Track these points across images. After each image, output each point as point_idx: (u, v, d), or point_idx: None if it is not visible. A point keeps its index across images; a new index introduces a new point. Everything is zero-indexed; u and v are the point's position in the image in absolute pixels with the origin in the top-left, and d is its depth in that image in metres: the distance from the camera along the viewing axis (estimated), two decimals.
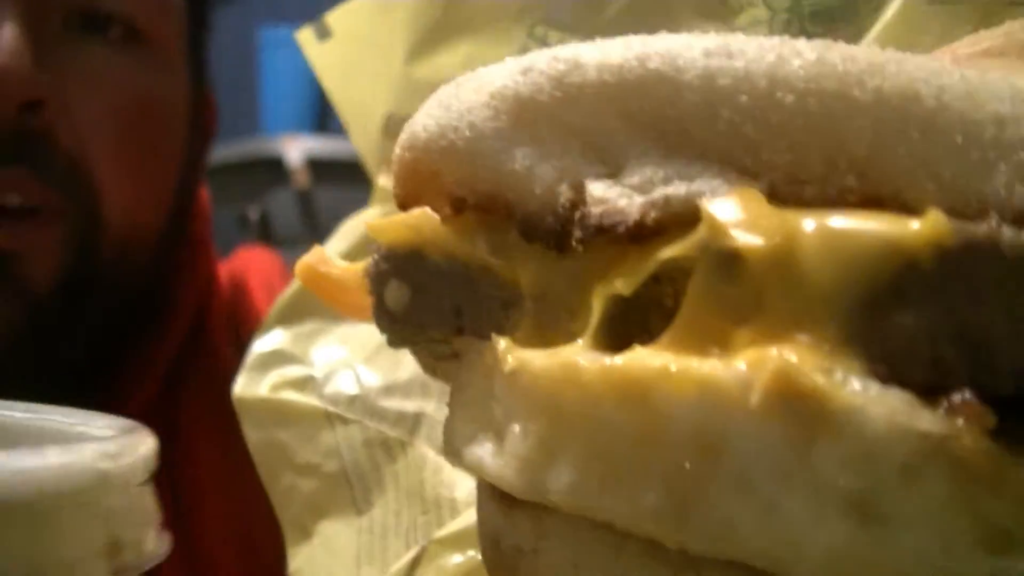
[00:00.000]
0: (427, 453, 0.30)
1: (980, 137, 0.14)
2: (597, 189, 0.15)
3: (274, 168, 1.60)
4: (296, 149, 1.61)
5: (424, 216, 0.17)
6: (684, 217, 0.14)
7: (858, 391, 0.12)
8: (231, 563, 0.51)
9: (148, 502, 0.19)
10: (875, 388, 0.12)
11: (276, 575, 0.32)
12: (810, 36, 0.34)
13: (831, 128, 0.14)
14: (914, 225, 0.13)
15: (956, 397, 0.12)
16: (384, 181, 0.40)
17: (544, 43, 0.38)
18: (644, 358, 0.13)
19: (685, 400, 0.13)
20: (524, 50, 0.38)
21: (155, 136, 0.50)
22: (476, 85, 0.16)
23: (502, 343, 0.15)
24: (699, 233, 0.14)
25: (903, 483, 0.12)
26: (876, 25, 0.32)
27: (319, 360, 0.33)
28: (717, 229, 0.14)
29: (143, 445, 0.19)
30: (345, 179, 1.67)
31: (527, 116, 0.16)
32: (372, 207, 0.39)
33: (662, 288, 0.14)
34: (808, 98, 0.14)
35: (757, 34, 0.34)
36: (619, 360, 0.13)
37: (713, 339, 0.13)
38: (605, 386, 0.13)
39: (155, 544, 0.19)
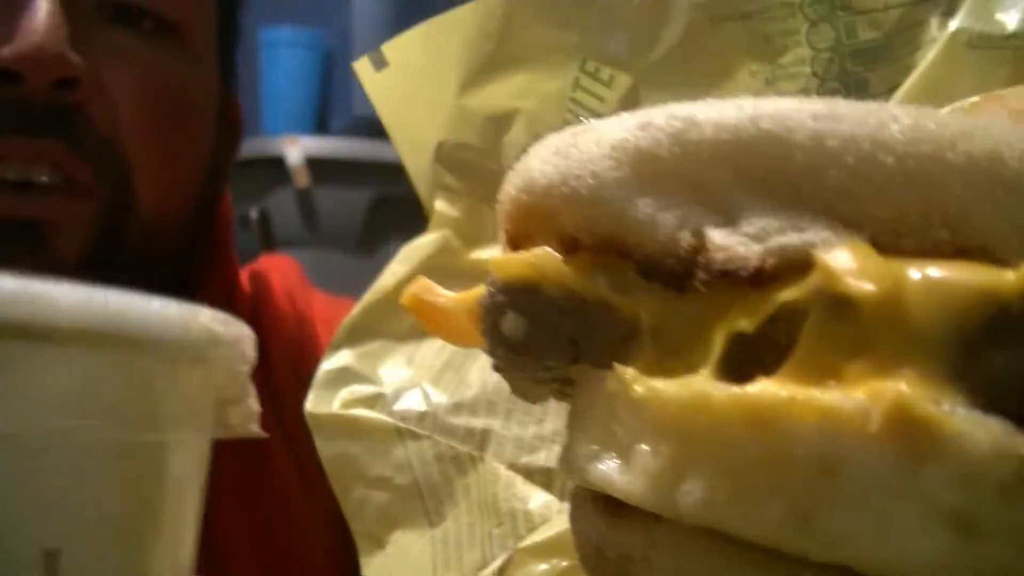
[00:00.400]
0: (498, 468, 0.32)
1: None
2: (717, 237, 0.17)
3: (274, 168, 1.61)
4: (296, 149, 1.62)
5: (546, 255, 0.19)
6: (798, 264, 0.16)
7: (963, 419, 0.14)
8: (247, 567, 0.52)
9: (251, 387, 0.20)
10: (977, 416, 0.14)
11: None
12: (850, 74, 0.37)
13: (927, 187, 0.16)
14: (1007, 275, 0.15)
15: None
16: (441, 207, 0.42)
17: (595, 77, 0.40)
18: (770, 388, 0.15)
19: (809, 426, 0.15)
20: (576, 83, 0.40)
21: (185, 125, 0.51)
22: (595, 138, 0.18)
23: (628, 372, 0.17)
24: (813, 279, 0.16)
25: (1000, 501, 0.14)
26: (919, 67, 0.34)
27: (387, 379, 0.35)
28: (830, 275, 0.16)
29: (247, 332, 0.20)
30: (345, 179, 1.69)
31: (647, 168, 0.18)
32: (431, 232, 0.41)
33: (777, 327, 0.16)
34: (907, 160, 0.16)
35: (800, 72, 0.37)
36: (748, 389, 0.15)
37: (827, 373, 0.15)
38: (735, 412, 0.15)
39: (254, 423, 0.20)
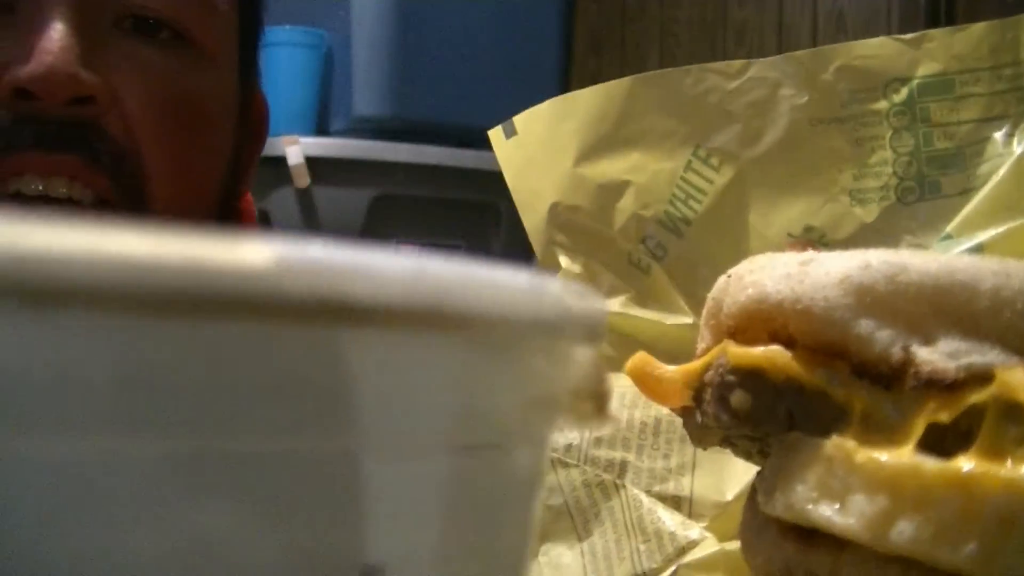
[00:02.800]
0: (640, 494, 0.39)
1: None
2: (922, 353, 0.24)
3: (274, 168, 1.62)
4: (296, 149, 1.64)
5: (777, 351, 0.26)
6: (980, 376, 0.23)
7: None
8: None
9: (604, 369, 0.17)
10: None
11: None
12: (925, 177, 0.44)
13: None
14: None
15: None
16: (565, 263, 0.48)
17: (706, 162, 0.47)
18: (966, 463, 0.22)
19: (996, 491, 0.22)
20: (688, 165, 0.47)
21: (202, 135, 0.51)
22: (824, 271, 0.25)
23: (849, 442, 0.24)
24: (993, 388, 0.23)
25: None
26: (991, 181, 0.41)
27: None
28: (1006, 387, 0.23)
29: (600, 306, 0.17)
30: (345, 179, 1.72)
31: (867, 299, 0.25)
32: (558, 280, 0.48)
33: (963, 421, 0.23)
34: None
35: (882, 172, 0.44)
36: (950, 463, 0.23)
37: (1002, 455, 0.23)
38: (940, 479, 0.22)
39: (608, 409, 0.17)
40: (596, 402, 0.17)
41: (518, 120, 0.51)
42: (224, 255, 0.11)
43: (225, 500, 0.12)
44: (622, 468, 0.40)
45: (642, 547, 0.37)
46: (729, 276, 0.29)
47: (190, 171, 0.50)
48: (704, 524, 0.37)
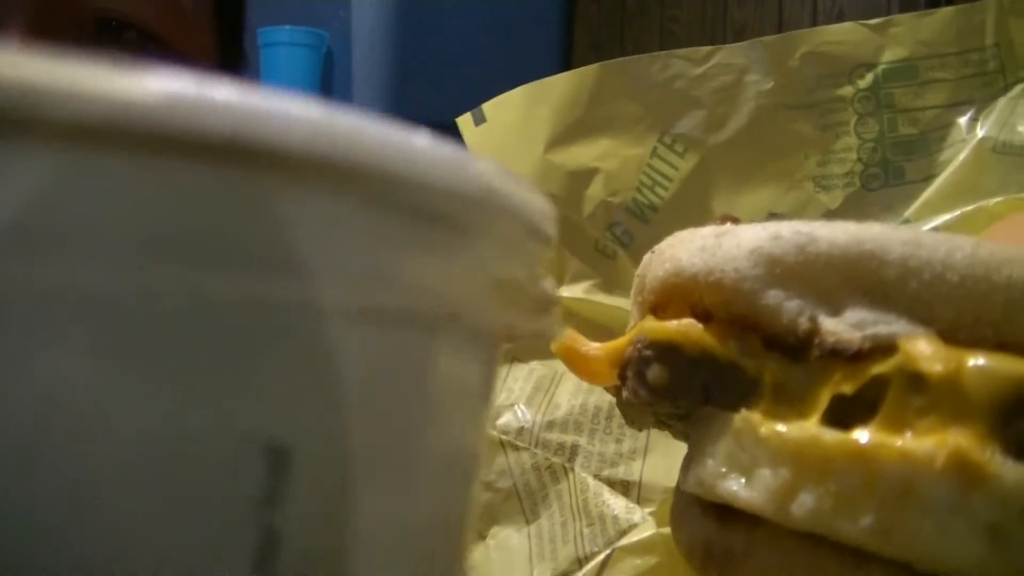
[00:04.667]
0: (587, 478, 0.38)
1: None
2: (828, 324, 0.23)
3: None
4: None
5: (690, 324, 0.26)
6: (886, 346, 0.23)
7: (1000, 463, 0.21)
8: None
9: (544, 274, 0.16)
10: (1009, 463, 0.21)
11: None
12: (890, 163, 0.44)
13: (979, 299, 0.23)
14: None
15: None
16: None
17: (671, 148, 0.47)
18: (866, 435, 0.22)
19: (894, 462, 0.21)
20: (654, 152, 0.47)
21: None
22: (736, 242, 0.25)
23: (755, 415, 0.24)
24: (897, 359, 0.23)
25: (1021, 519, 0.21)
26: (950, 166, 0.41)
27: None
28: (910, 357, 0.22)
29: (543, 201, 0.16)
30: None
31: (776, 269, 0.24)
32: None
33: (866, 391, 0.23)
34: (966, 279, 0.23)
35: (847, 158, 0.43)
36: (850, 435, 0.22)
37: (904, 427, 0.22)
38: (840, 450, 0.22)
39: (549, 321, 0.16)
40: (539, 307, 0.16)
41: (487, 107, 0.51)
42: (115, 85, 0.11)
43: (96, 354, 0.11)
44: (573, 452, 0.40)
45: (586, 530, 0.37)
46: (652, 252, 0.28)
47: None
48: (651, 509, 0.37)
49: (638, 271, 0.29)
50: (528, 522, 0.39)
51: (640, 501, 0.38)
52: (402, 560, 0.14)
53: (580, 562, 0.36)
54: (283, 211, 0.12)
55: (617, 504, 0.37)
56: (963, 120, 0.42)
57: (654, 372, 0.26)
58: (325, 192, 0.12)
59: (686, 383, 0.26)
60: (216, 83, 0.12)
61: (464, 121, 0.51)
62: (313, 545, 0.13)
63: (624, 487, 0.39)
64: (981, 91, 0.42)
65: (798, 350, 0.24)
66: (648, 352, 0.27)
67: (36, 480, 0.11)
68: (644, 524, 0.35)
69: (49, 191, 0.11)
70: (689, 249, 0.26)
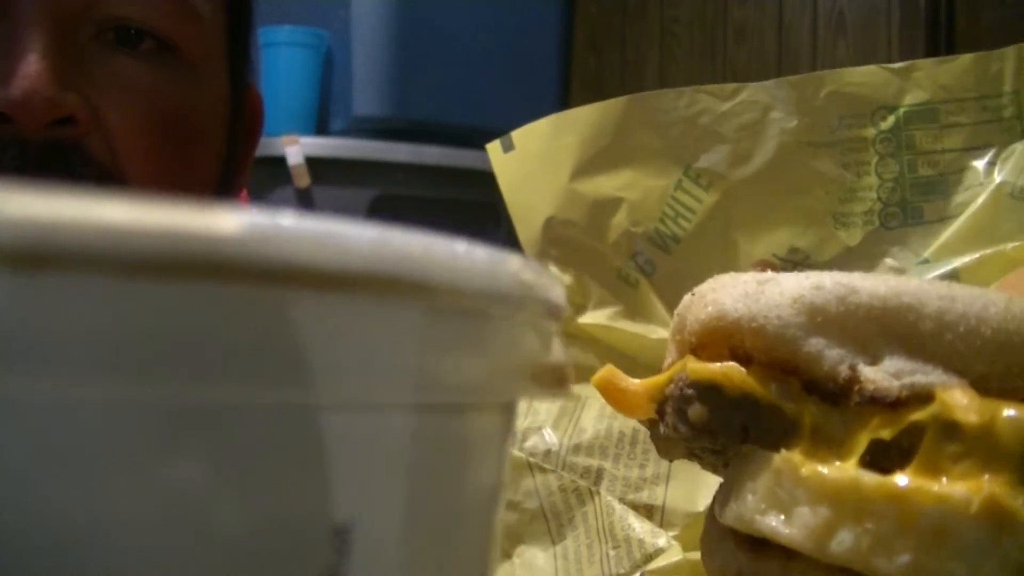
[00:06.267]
0: (613, 502, 0.40)
1: None
2: (867, 372, 0.25)
3: (274, 168, 1.62)
4: (296, 149, 1.64)
5: (733, 367, 0.27)
6: (922, 395, 0.24)
7: None
8: None
9: (559, 345, 0.18)
10: None
11: None
12: (908, 203, 0.45)
13: (1011, 351, 0.24)
14: None
15: None
16: (555, 274, 0.49)
17: (696, 182, 0.48)
18: (903, 479, 0.23)
19: (930, 505, 0.23)
20: (678, 184, 0.49)
21: (188, 147, 0.50)
22: (779, 290, 0.27)
23: (796, 455, 0.25)
24: (933, 407, 0.24)
25: None
26: (968, 209, 0.42)
27: (517, 423, 0.43)
28: (947, 407, 0.24)
29: (557, 284, 0.18)
30: (345, 179, 1.72)
31: (818, 318, 0.26)
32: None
33: (902, 436, 0.24)
34: (999, 332, 0.24)
35: (867, 196, 0.45)
36: (889, 478, 0.24)
37: (939, 472, 0.24)
38: (878, 492, 0.23)
39: (568, 382, 0.18)
40: (556, 374, 0.18)
41: (516, 135, 0.52)
42: (196, 221, 0.12)
43: (196, 457, 0.13)
44: (598, 475, 0.41)
45: (612, 552, 0.38)
46: (693, 294, 0.30)
47: (177, 185, 0.50)
48: (674, 533, 0.38)
49: (677, 311, 0.31)
50: (554, 543, 0.40)
51: (663, 525, 0.40)
52: None
53: None
54: (347, 326, 0.13)
55: (642, 528, 0.39)
56: (980, 164, 0.44)
57: (696, 410, 0.28)
58: (384, 306, 0.14)
59: (726, 422, 0.27)
60: (281, 214, 0.13)
61: (493, 148, 0.52)
62: None
63: (647, 511, 0.40)
64: (999, 137, 0.44)
65: (838, 396, 0.25)
66: (690, 391, 0.28)
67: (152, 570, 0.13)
68: (671, 549, 0.36)
69: (149, 320, 0.12)
70: (732, 295, 0.28)
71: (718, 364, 0.27)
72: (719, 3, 1.72)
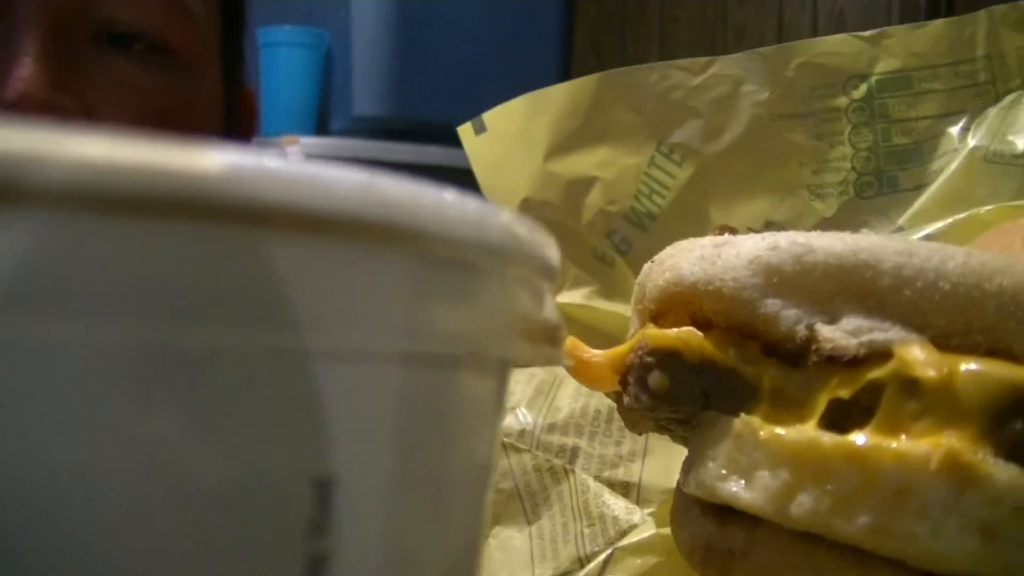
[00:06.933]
0: (588, 480, 0.39)
1: None
2: (825, 331, 0.24)
3: None
4: (296, 149, 1.63)
5: (690, 332, 0.26)
6: (881, 353, 0.24)
7: (991, 464, 0.22)
8: None
9: (554, 306, 0.17)
10: (1001, 463, 0.22)
11: None
12: (883, 172, 0.45)
13: (971, 306, 0.24)
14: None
15: None
16: None
17: (669, 157, 0.48)
18: (862, 437, 0.23)
19: (890, 464, 0.22)
20: (652, 161, 0.48)
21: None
22: (735, 252, 0.26)
23: (755, 419, 0.25)
24: (892, 364, 0.23)
25: (1013, 518, 0.22)
26: (943, 174, 0.42)
27: None
28: (905, 363, 0.23)
29: (551, 243, 0.17)
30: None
31: (774, 279, 0.25)
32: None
33: (862, 395, 0.24)
34: (959, 287, 0.24)
35: (841, 167, 0.44)
36: (847, 437, 0.23)
37: (900, 430, 0.23)
38: (837, 452, 0.23)
39: (559, 349, 0.18)
40: (549, 337, 0.17)
41: (488, 117, 0.52)
42: (176, 159, 0.12)
43: (174, 406, 0.12)
44: (573, 454, 0.41)
45: (586, 531, 0.38)
46: (652, 262, 0.29)
47: None
48: (650, 510, 0.38)
49: (638, 279, 0.30)
50: (529, 522, 0.40)
51: (640, 502, 0.39)
52: (440, 572, 0.16)
53: (581, 562, 0.37)
54: (334, 271, 0.13)
55: (617, 505, 0.38)
56: (955, 130, 0.43)
57: (655, 378, 0.27)
58: (372, 252, 0.13)
59: (686, 389, 0.27)
60: (265, 156, 0.13)
61: (465, 130, 0.52)
62: (356, 568, 0.14)
63: (624, 488, 0.40)
64: (973, 102, 0.43)
65: (796, 357, 0.25)
66: (649, 359, 0.27)
67: (109, 523, 0.12)
68: (644, 524, 0.36)
69: (137, 259, 0.12)
70: (689, 259, 0.27)
71: (676, 330, 0.27)
72: (719, 3, 1.72)
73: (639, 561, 0.34)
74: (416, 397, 0.15)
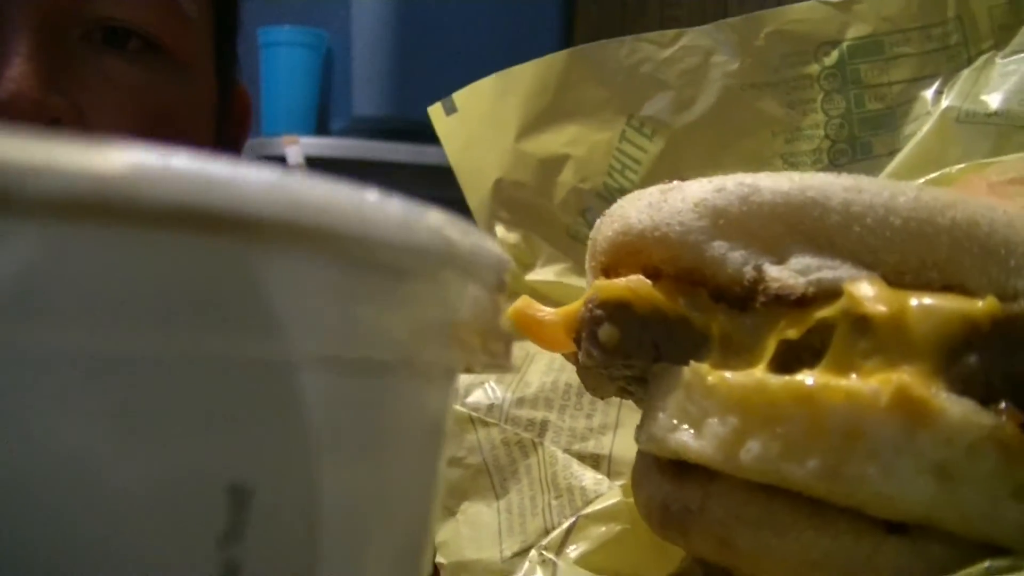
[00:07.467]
0: (556, 452, 0.38)
1: (1015, 251, 0.22)
2: (772, 271, 0.23)
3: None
4: (296, 149, 1.62)
5: (639, 280, 0.26)
6: (830, 291, 0.23)
7: (944, 400, 0.21)
8: None
9: (499, 315, 0.17)
10: (954, 399, 0.21)
11: None
12: (857, 138, 0.44)
13: (922, 241, 0.23)
14: (978, 303, 0.22)
15: (1001, 405, 0.21)
16: (501, 234, 0.48)
17: (640, 131, 0.47)
18: (811, 377, 0.22)
19: (839, 403, 0.21)
20: (622, 135, 0.47)
21: (175, 143, 0.51)
22: (681, 196, 0.25)
23: (703, 366, 0.24)
24: (842, 302, 0.22)
25: (968, 456, 0.21)
26: (915, 136, 0.41)
27: (459, 378, 0.42)
28: (854, 300, 0.22)
29: (496, 250, 0.17)
30: (345, 179, 1.72)
31: (721, 220, 0.24)
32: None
33: (812, 336, 0.23)
34: (910, 222, 0.23)
35: (814, 135, 0.43)
36: (795, 378, 0.22)
37: (851, 369, 0.22)
38: (785, 394, 0.22)
39: (505, 358, 0.17)
40: (494, 343, 0.17)
41: (458, 97, 0.51)
42: (82, 159, 0.11)
43: (87, 410, 0.12)
44: (542, 427, 0.40)
45: (554, 502, 0.37)
46: (604, 215, 0.28)
47: None
48: (621, 482, 0.37)
49: (591, 235, 0.29)
50: (498, 497, 0.39)
51: (610, 475, 0.38)
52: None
53: (548, 533, 0.36)
54: (249, 272, 0.13)
55: (586, 476, 0.37)
56: (928, 94, 0.42)
57: (605, 331, 0.26)
58: (286, 253, 0.13)
59: (637, 340, 0.26)
60: (174, 155, 0.12)
61: (435, 111, 0.51)
62: (275, 573, 0.14)
63: (594, 461, 0.39)
64: (945, 65, 0.42)
65: (745, 300, 0.24)
66: (599, 312, 0.27)
67: (25, 529, 0.12)
68: (610, 492, 0.35)
69: (34, 263, 0.11)
70: (637, 207, 0.26)
71: (624, 280, 0.26)
72: (719, 3, 1.71)
73: (603, 528, 0.33)
74: (345, 406, 0.14)
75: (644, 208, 0.26)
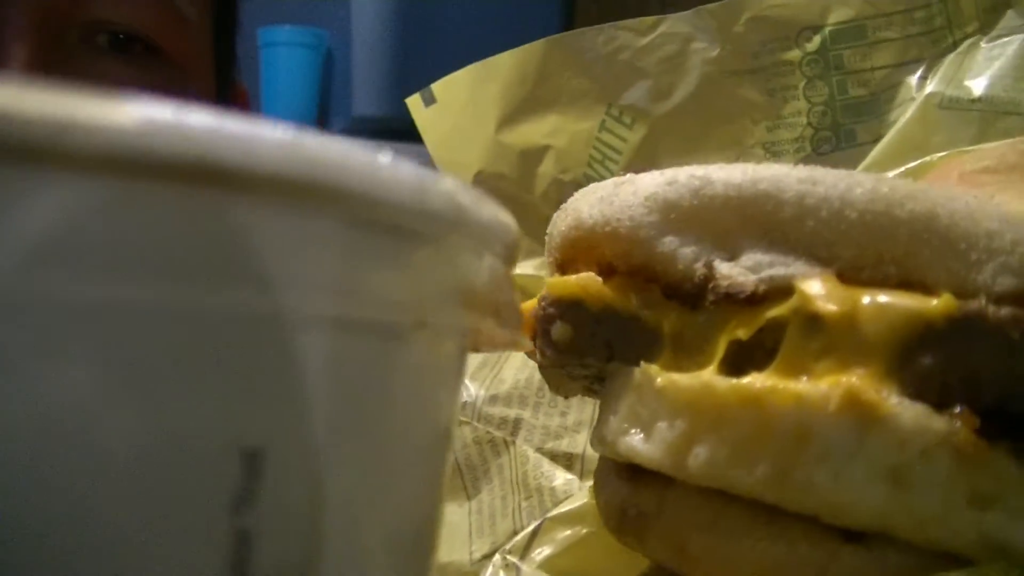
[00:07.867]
0: (528, 451, 0.37)
1: (976, 245, 0.21)
2: (723, 268, 0.22)
3: None
4: None
5: (590, 277, 0.25)
6: (782, 289, 0.22)
7: (896, 404, 0.20)
8: None
9: (510, 288, 0.17)
10: (907, 402, 0.20)
11: None
12: (840, 126, 0.43)
13: (880, 235, 0.22)
14: (933, 301, 0.21)
15: (956, 409, 0.20)
16: None
17: (619, 120, 0.46)
18: (760, 380, 0.21)
19: (788, 406, 0.20)
20: (602, 125, 0.46)
21: None
22: (632, 189, 0.24)
23: (652, 367, 0.23)
24: (793, 301, 0.21)
25: (922, 462, 0.20)
26: (898, 122, 0.40)
27: None
28: (806, 299, 0.21)
29: (509, 219, 0.16)
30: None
31: (672, 215, 0.23)
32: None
33: (765, 336, 0.22)
34: (866, 215, 0.22)
35: (796, 122, 0.42)
36: (743, 380, 0.21)
37: (802, 370, 0.21)
38: (733, 397, 0.21)
39: (516, 332, 0.17)
40: (502, 313, 0.16)
41: (437, 87, 0.50)
42: (90, 111, 0.11)
43: (82, 360, 0.12)
44: (516, 425, 0.39)
45: (524, 504, 0.36)
46: (561, 208, 0.27)
47: None
48: (591, 482, 0.36)
49: (548, 229, 0.28)
50: (469, 498, 0.38)
51: (583, 474, 0.37)
52: (377, 553, 0.15)
53: (516, 535, 0.35)
54: (257, 229, 0.12)
55: (557, 476, 0.36)
56: (913, 79, 0.41)
57: (558, 330, 0.25)
58: (298, 211, 0.13)
59: (590, 339, 0.25)
60: (192, 110, 0.12)
61: (414, 102, 0.50)
62: (286, 543, 0.13)
63: (567, 460, 0.38)
64: (929, 49, 0.41)
65: (696, 298, 0.23)
66: (552, 310, 0.26)
67: (31, 485, 0.12)
68: (578, 494, 0.34)
69: (56, 217, 0.11)
70: (589, 200, 0.25)
71: (576, 277, 0.25)
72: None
73: (568, 532, 0.32)
74: (353, 365, 0.14)
75: (596, 202, 0.25)
